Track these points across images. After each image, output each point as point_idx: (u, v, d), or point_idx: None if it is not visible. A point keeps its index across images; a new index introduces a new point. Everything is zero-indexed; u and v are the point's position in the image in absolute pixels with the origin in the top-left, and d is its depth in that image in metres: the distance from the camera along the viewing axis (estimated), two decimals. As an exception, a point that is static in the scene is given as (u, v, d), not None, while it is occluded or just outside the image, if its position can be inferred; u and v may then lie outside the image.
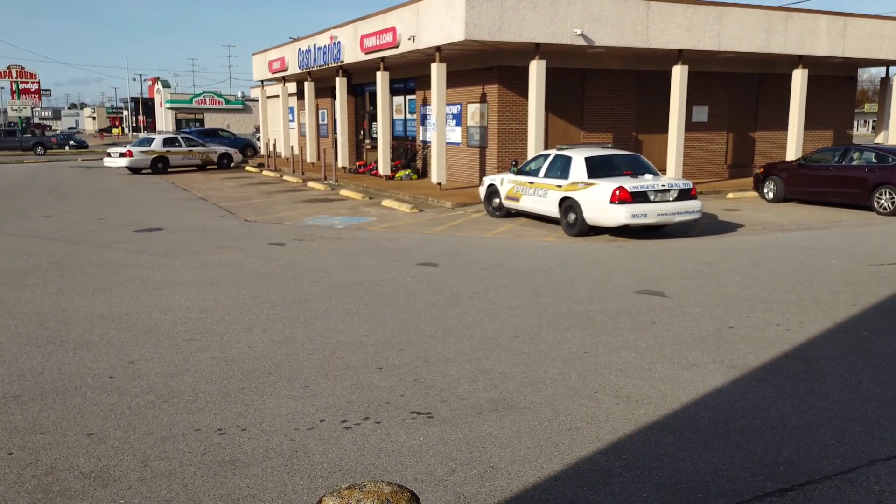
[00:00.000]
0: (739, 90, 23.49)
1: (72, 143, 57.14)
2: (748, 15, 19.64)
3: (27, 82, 54.49)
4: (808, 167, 17.30)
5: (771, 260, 10.69)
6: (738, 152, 24.06)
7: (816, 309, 7.81)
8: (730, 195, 19.61)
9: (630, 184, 12.40)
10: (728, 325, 7.17)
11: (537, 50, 17.82)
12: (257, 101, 46.49)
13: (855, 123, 39.62)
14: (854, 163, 16.31)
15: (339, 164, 26.14)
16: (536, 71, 17.86)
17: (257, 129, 54.42)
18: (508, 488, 4.01)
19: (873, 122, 70.65)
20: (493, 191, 15.59)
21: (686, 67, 19.62)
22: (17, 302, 8.25)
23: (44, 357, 6.27)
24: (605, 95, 21.55)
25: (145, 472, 4.20)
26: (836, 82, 24.81)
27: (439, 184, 19.82)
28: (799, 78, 21.32)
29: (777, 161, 20.70)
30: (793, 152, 21.47)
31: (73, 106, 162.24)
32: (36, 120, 76.16)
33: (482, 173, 20.52)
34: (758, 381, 5.64)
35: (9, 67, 54.53)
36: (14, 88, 54.14)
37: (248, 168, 31.58)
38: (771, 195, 18.15)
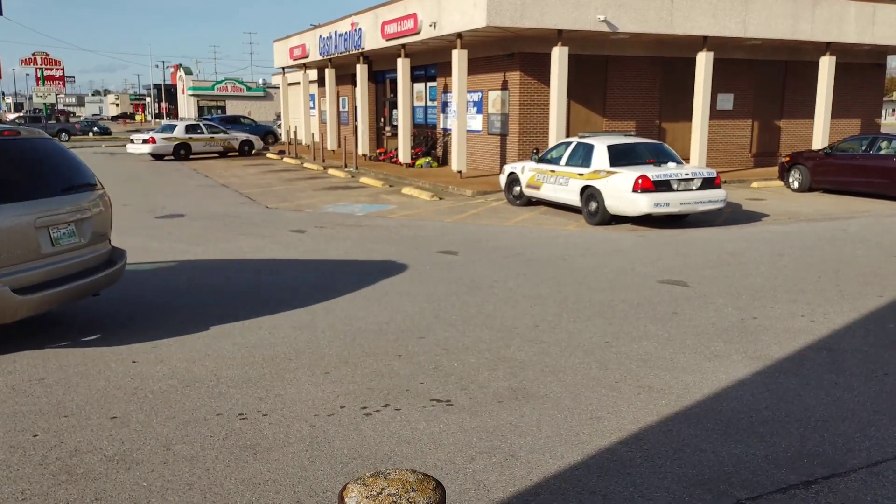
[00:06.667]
0: (765, 78, 23.14)
1: (95, 129, 57.70)
2: (775, 1, 19.31)
3: (52, 69, 54.92)
4: (834, 156, 17.02)
5: (796, 250, 10.54)
6: (763, 141, 23.74)
7: (842, 300, 7.69)
8: (754, 184, 19.37)
9: (653, 172, 12.27)
10: (752, 316, 7.09)
11: (559, 36, 17.67)
12: (278, 88, 46.58)
13: (883, 112, 38.86)
14: (882, 152, 16.02)
15: (360, 152, 26.16)
16: (559, 58, 17.72)
17: (278, 117, 54.58)
18: (528, 477, 4.00)
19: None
20: (513, 179, 15.51)
21: (711, 54, 19.36)
22: (43, 286, 8.34)
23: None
24: (628, 83, 21.33)
25: (167, 455, 4.24)
26: (864, 70, 24.37)
27: (459, 172, 19.76)
28: (826, 65, 20.97)
29: (803, 150, 20.40)
30: (819, 141, 21.14)
31: (96, 93, 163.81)
32: (60, 106, 76.96)
33: (503, 161, 20.43)
34: (782, 373, 5.57)
35: (34, 54, 55.02)
36: (39, 75, 54.62)
37: (269, 155, 31.71)
38: (796, 185, 17.90)
